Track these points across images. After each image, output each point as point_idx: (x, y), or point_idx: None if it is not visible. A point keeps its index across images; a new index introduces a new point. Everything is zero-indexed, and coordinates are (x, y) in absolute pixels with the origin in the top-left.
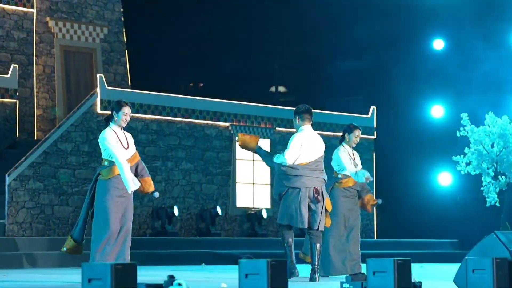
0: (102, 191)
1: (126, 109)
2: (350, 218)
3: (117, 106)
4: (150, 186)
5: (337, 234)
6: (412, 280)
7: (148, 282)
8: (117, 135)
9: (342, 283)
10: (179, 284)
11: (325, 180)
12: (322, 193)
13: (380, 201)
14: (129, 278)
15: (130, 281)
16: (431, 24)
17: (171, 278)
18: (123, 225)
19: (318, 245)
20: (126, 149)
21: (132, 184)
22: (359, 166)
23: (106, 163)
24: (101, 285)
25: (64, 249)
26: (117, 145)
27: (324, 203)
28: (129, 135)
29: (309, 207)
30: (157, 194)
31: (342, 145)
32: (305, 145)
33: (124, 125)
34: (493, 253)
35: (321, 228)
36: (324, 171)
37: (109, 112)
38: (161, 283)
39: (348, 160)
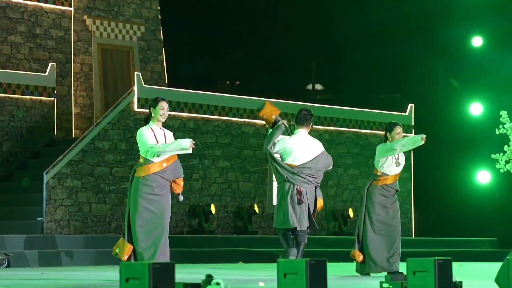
0: (135, 188)
1: (163, 104)
2: (386, 217)
3: (154, 102)
4: (178, 188)
5: (374, 232)
6: (453, 280)
7: (185, 281)
8: (154, 133)
9: (381, 283)
10: (217, 284)
11: (313, 183)
12: (307, 194)
13: None
14: (167, 278)
15: (168, 280)
16: (470, 21)
17: (209, 278)
18: (158, 224)
19: (302, 244)
20: None
21: (184, 143)
22: (402, 164)
23: (141, 160)
24: (139, 285)
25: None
26: (153, 139)
27: (308, 204)
28: (169, 133)
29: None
30: (181, 198)
31: (385, 143)
32: (294, 148)
33: (163, 120)
34: None
35: (303, 228)
36: (317, 175)
37: (147, 111)
38: (199, 282)
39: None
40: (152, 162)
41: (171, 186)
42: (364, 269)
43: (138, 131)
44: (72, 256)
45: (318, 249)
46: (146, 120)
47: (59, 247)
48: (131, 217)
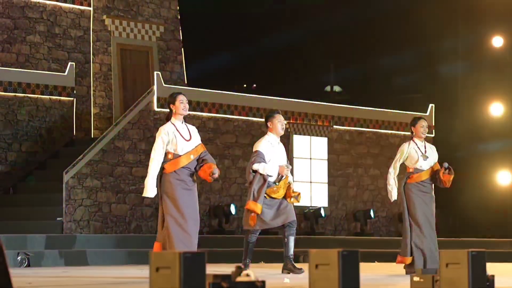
0: (167, 184)
1: (182, 97)
2: (426, 213)
3: (171, 97)
4: (209, 168)
5: (421, 232)
6: (486, 273)
7: (215, 272)
8: (176, 128)
9: (412, 276)
10: (247, 275)
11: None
12: None
13: (446, 165)
14: (198, 267)
15: (199, 270)
16: (490, 21)
17: (239, 269)
18: (190, 217)
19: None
20: (188, 140)
21: (148, 190)
22: (431, 158)
23: (170, 156)
24: (169, 274)
25: None
26: (163, 141)
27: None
28: (192, 128)
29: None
30: (216, 171)
31: (413, 140)
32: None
33: (185, 113)
34: None
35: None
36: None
37: (167, 110)
38: (229, 273)
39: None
40: (180, 155)
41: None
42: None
43: (161, 127)
44: (92, 256)
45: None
46: (167, 118)
47: (78, 247)
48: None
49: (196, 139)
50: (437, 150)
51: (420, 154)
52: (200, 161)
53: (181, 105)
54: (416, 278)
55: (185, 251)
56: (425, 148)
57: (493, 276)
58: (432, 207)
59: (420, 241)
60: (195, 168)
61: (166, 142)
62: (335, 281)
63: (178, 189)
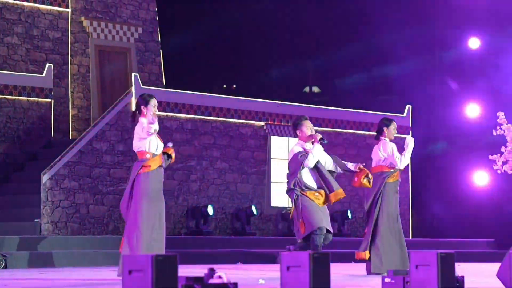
0: (146, 181)
1: (155, 101)
2: (396, 212)
3: (144, 99)
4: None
5: (391, 232)
6: (455, 274)
7: (188, 275)
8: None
9: (383, 278)
10: (220, 277)
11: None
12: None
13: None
14: (170, 270)
15: (171, 273)
16: (467, 22)
17: (212, 271)
18: (162, 220)
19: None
20: (162, 142)
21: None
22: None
23: (148, 155)
24: (141, 277)
25: None
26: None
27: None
28: None
29: None
30: (170, 144)
31: (385, 139)
32: None
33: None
34: None
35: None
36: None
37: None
38: (202, 276)
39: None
40: (156, 155)
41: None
42: (378, 269)
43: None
44: (70, 257)
45: (321, 252)
46: (134, 118)
47: (56, 249)
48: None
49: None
50: (414, 150)
51: (398, 155)
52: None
53: (153, 108)
54: (387, 279)
55: (158, 254)
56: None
57: (462, 277)
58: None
59: (388, 243)
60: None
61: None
62: (306, 283)
63: (155, 189)
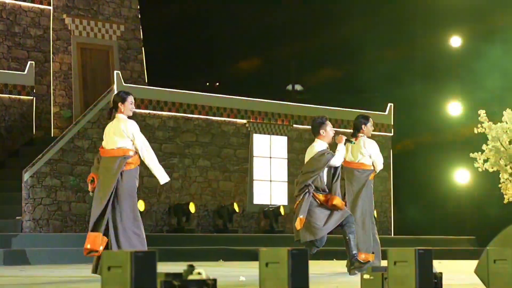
0: (129, 178)
1: (132, 98)
2: (373, 211)
3: (120, 96)
4: None
5: (364, 227)
6: (433, 271)
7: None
8: None
9: (362, 274)
10: (199, 273)
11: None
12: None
13: None
14: (149, 266)
15: (150, 269)
16: (448, 21)
17: (191, 267)
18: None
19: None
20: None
21: (164, 175)
22: None
23: (131, 153)
24: (120, 273)
25: None
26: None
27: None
28: None
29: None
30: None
31: (363, 136)
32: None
33: (131, 114)
34: None
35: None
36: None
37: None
38: (181, 272)
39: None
40: (136, 153)
41: None
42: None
43: (131, 122)
44: (51, 255)
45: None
46: (111, 116)
47: (37, 246)
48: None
49: None
50: (396, 148)
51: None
52: None
53: (131, 105)
54: (366, 276)
55: (137, 250)
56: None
57: (441, 273)
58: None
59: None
60: None
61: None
62: (285, 279)
63: (136, 186)
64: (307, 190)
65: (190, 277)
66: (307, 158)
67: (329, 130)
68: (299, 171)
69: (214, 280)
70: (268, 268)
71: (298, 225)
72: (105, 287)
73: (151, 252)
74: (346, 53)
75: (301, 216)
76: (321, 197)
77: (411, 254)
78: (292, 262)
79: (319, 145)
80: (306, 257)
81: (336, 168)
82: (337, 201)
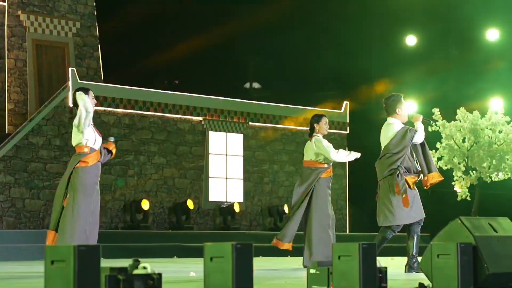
0: (82, 176)
1: (92, 92)
2: (327, 208)
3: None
4: (109, 145)
5: (324, 224)
6: (378, 265)
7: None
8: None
9: (308, 269)
10: (144, 268)
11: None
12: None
13: None
14: (93, 260)
15: (94, 263)
16: (404, 21)
17: (136, 262)
18: (95, 217)
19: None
20: (100, 136)
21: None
22: None
23: (86, 150)
24: (64, 267)
25: None
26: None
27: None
28: None
29: None
30: (112, 139)
31: (317, 135)
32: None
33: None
34: (458, 238)
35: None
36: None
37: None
38: (126, 266)
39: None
40: (95, 149)
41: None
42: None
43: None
44: (4, 252)
45: (254, 245)
46: (72, 112)
47: None
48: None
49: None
50: (351, 146)
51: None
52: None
53: (93, 100)
54: (312, 270)
55: (80, 245)
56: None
57: (386, 267)
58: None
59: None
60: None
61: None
62: (229, 273)
63: (91, 184)
64: (398, 172)
65: (135, 272)
66: (385, 138)
67: (404, 108)
68: (254, 169)
69: (159, 275)
70: (212, 262)
71: (406, 204)
72: (48, 281)
73: (95, 247)
74: (304, 51)
75: (403, 196)
76: (410, 179)
77: (355, 248)
78: (236, 257)
79: (397, 123)
80: (251, 251)
81: (422, 145)
82: (434, 178)
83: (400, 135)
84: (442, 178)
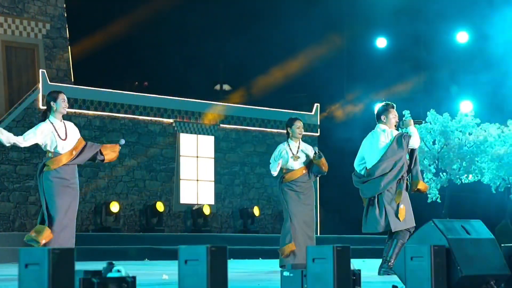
0: (46, 181)
1: (63, 95)
2: (301, 211)
3: (51, 95)
4: (113, 146)
5: (295, 230)
6: (351, 268)
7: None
8: (54, 127)
9: (282, 271)
10: (118, 271)
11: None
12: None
13: (316, 149)
14: (66, 264)
15: (68, 266)
16: (375, 22)
17: (110, 265)
18: (70, 218)
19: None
20: (64, 140)
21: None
22: (303, 158)
23: (50, 154)
24: (38, 270)
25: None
26: (35, 134)
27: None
28: (70, 125)
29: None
30: (122, 141)
31: (287, 140)
32: None
33: (65, 112)
34: (431, 241)
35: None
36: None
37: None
38: (100, 269)
39: (277, 154)
40: (60, 153)
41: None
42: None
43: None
44: None
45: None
46: (45, 116)
47: None
48: (50, 211)
49: (75, 135)
50: (322, 148)
51: (290, 155)
52: (97, 151)
53: (63, 103)
54: (286, 273)
55: (54, 247)
56: (298, 148)
57: (359, 270)
58: (306, 206)
59: (294, 237)
60: (94, 159)
61: (41, 140)
62: (204, 276)
63: (57, 187)
64: (401, 180)
65: (109, 275)
66: (372, 145)
67: (391, 117)
68: (225, 171)
69: (134, 278)
70: (187, 265)
71: (402, 215)
72: (22, 285)
73: (69, 249)
74: (275, 53)
75: (401, 206)
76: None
77: (329, 251)
78: (211, 259)
79: (387, 130)
80: (225, 254)
81: (413, 151)
82: (421, 185)
83: (396, 139)
84: (428, 188)
